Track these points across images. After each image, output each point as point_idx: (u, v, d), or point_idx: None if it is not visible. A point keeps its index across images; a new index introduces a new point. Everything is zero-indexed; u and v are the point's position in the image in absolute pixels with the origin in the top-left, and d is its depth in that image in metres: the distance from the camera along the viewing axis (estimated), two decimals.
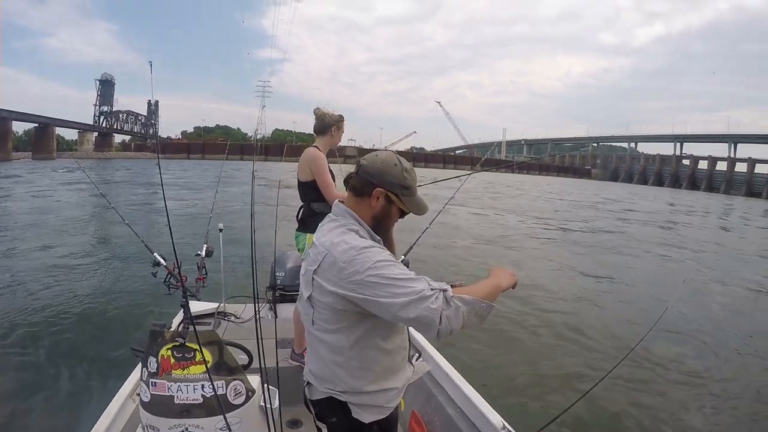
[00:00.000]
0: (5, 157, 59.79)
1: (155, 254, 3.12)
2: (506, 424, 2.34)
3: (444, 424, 2.71)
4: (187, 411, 1.79)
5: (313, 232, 3.15)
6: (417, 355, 3.25)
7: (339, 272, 1.42)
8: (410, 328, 3.23)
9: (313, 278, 1.50)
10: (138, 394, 1.88)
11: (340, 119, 3.33)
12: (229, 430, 1.57)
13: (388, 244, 1.65)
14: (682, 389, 4.99)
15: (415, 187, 1.61)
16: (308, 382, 1.68)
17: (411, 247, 3.48)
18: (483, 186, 39.34)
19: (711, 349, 6.28)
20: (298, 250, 3.29)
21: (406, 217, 1.65)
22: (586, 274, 10.56)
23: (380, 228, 1.61)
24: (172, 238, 1.73)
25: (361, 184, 1.58)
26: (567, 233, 17.18)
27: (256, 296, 1.86)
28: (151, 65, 3.49)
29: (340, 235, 1.51)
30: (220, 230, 4.36)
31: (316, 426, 1.71)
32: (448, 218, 16.34)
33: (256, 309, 1.78)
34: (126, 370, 2.87)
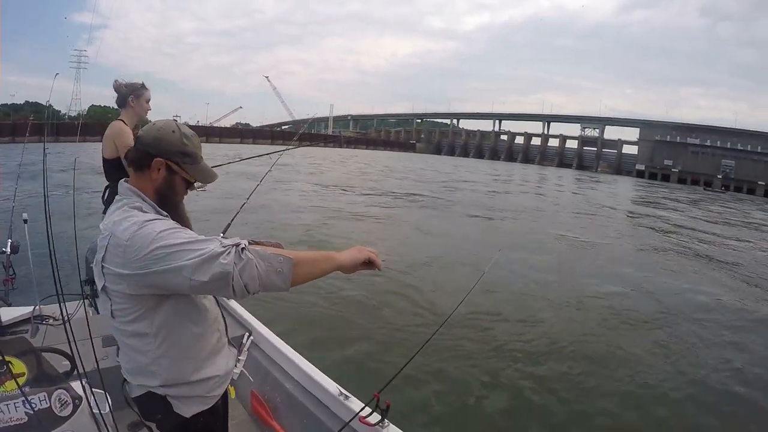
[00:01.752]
0: None
1: None
2: (342, 390, 2.46)
3: (284, 399, 2.77)
4: None
5: None
6: (248, 334, 3.28)
7: (124, 252, 1.30)
8: (231, 310, 3.21)
9: (102, 266, 1.37)
10: None
11: (137, 87, 3.15)
12: None
13: (180, 219, 1.52)
14: (500, 347, 5.56)
15: (198, 154, 1.51)
16: (125, 380, 1.58)
17: (229, 225, 3.33)
18: (313, 160, 39.55)
19: (530, 302, 7.22)
20: None
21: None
22: (415, 240, 11.30)
23: (167, 202, 1.50)
24: None
25: (139, 156, 1.47)
26: (395, 201, 18.19)
27: (60, 293, 1.70)
28: None
29: (122, 214, 1.39)
30: (25, 221, 3.81)
31: (146, 426, 1.64)
32: (282, 195, 16.37)
33: (62, 307, 1.67)
34: None
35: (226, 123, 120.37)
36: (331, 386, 2.52)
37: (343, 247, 1.55)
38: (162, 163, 1.45)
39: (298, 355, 2.88)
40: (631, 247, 13.02)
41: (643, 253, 12.30)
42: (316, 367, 2.73)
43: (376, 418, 2.05)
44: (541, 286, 8.12)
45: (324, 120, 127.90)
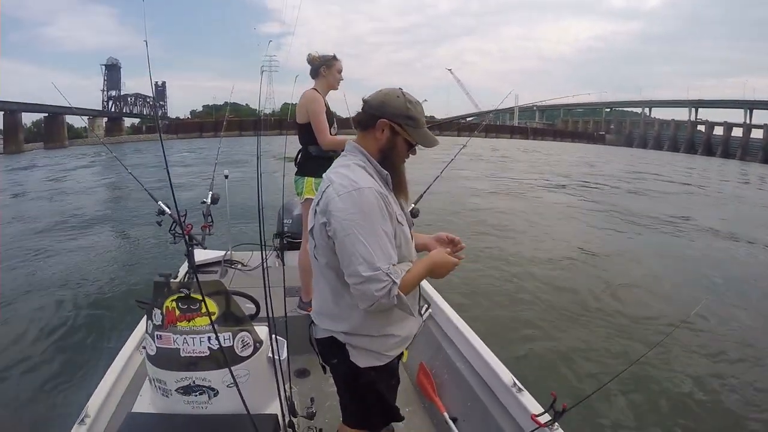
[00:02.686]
0: (17, 149, 59.75)
1: (159, 203, 3.08)
2: (517, 382, 2.28)
3: (453, 378, 2.67)
4: (193, 364, 1.75)
5: (311, 176, 3.08)
6: (426, 306, 3.19)
7: (330, 201, 1.45)
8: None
9: (315, 210, 1.52)
10: (144, 347, 1.84)
11: (329, 58, 3.24)
12: (236, 383, 1.50)
13: (399, 181, 1.62)
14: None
15: (421, 120, 1.57)
16: (312, 321, 1.69)
17: (421, 195, 3.42)
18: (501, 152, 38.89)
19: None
20: (297, 194, 3.23)
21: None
22: (616, 246, 10.03)
23: (388, 163, 1.58)
24: (170, 182, 1.65)
25: (365, 118, 1.57)
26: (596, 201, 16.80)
27: (263, 243, 1.79)
28: (146, 44, 3.42)
29: (345, 168, 1.53)
30: (226, 177, 4.21)
31: (321, 365, 1.73)
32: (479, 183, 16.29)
33: (263, 256, 1.72)
34: (133, 323, 2.84)
35: None
36: (506, 375, 2.36)
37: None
38: (386, 124, 1.54)
39: (475, 335, 2.75)
40: None
41: None
42: (492, 352, 2.57)
43: (546, 418, 1.92)
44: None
45: (509, 111, 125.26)
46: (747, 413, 4.11)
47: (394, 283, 1.40)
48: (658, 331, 5.14)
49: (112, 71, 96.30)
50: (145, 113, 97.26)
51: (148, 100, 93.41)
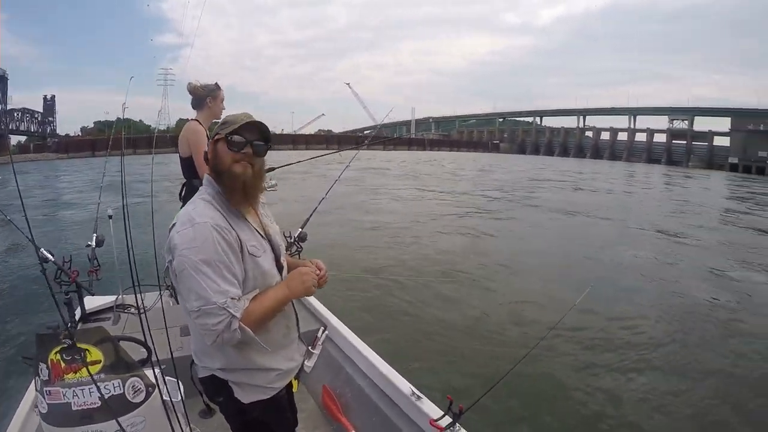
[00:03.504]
0: None
1: (41, 249, 2.88)
2: (415, 390, 2.42)
3: (355, 395, 2.77)
4: (88, 417, 1.69)
5: None
6: (323, 329, 3.29)
7: (171, 239, 1.46)
8: (308, 304, 3.31)
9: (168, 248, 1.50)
10: (36, 406, 1.77)
11: (213, 88, 3.21)
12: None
13: (236, 187, 1.54)
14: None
15: (235, 120, 1.55)
16: (192, 361, 1.68)
17: (307, 220, 3.48)
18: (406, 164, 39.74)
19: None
20: None
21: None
22: (501, 251, 10.76)
23: (218, 171, 1.54)
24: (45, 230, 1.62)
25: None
26: (485, 207, 17.70)
27: (136, 284, 1.78)
28: None
29: (190, 204, 1.53)
30: (110, 217, 3.93)
31: (205, 404, 1.75)
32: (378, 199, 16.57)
33: (138, 299, 1.73)
34: (24, 383, 2.68)
35: (309, 130, 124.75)
36: (404, 385, 2.49)
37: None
38: (210, 144, 1.60)
39: (372, 351, 2.87)
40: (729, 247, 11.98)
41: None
42: (389, 365, 2.71)
43: (447, 421, 2.02)
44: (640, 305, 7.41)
45: (406, 123, 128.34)
46: (627, 396, 4.60)
47: (233, 316, 1.38)
48: (545, 326, 5.60)
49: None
50: (32, 130, 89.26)
51: (35, 115, 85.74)
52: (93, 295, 3.58)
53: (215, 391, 1.63)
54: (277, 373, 1.64)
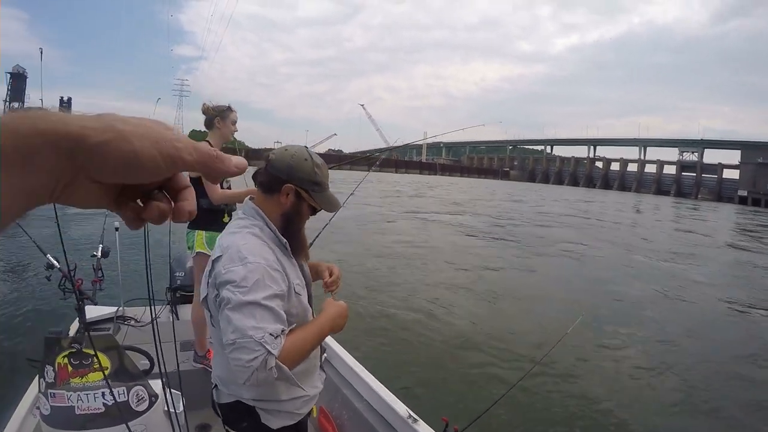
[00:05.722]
0: None
1: (48, 256, 2.94)
2: (411, 413, 2.41)
3: (352, 417, 2.76)
4: (90, 421, 1.72)
5: (202, 229, 3.13)
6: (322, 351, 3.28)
7: (218, 275, 1.39)
8: None
9: (208, 282, 1.45)
10: (38, 408, 1.79)
11: (224, 110, 3.19)
12: None
13: (300, 243, 1.58)
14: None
15: (326, 183, 1.53)
16: (215, 385, 1.61)
17: (312, 243, 3.43)
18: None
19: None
20: (188, 248, 3.20)
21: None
22: (501, 279, 10.64)
23: (290, 227, 1.53)
24: (60, 236, 1.67)
25: (269, 180, 1.50)
26: (486, 233, 17.70)
27: (151, 298, 1.83)
28: (41, 52, 3.22)
29: (238, 237, 1.45)
30: (116, 229, 3.99)
31: (225, 430, 1.66)
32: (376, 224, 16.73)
33: (153, 311, 1.76)
34: (23, 385, 2.72)
35: (321, 149, 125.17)
36: (401, 408, 2.48)
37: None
38: (292, 189, 1.48)
39: (370, 374, 2.86)
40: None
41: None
42: (386, 387, 2.70)
43: None
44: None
45: (416, 147, 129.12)
46: (628, 418, 4.55)
47: (269, 353, 1.30)
48: (539, 348, 5.57)
49: (18, 81, 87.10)
50: None
51: None
52: (96, 304, 3.62)
53: (239, 416, 1.56)
54: (304, 399, 1.62)
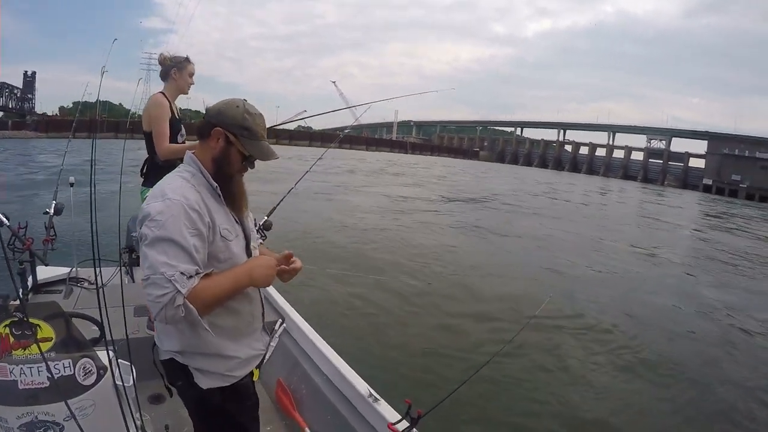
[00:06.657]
0: None
1: None
2: (373, 392, 2.36)
3: (310, 392, 2.71)
4: (33, 396, 1.62)
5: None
6: (281, 321, 3.20)
7: (141, 211, 1.44)
8: (267, 295, 3.23)
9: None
10: None
11: (181, 60, 3.06)
12: (74, 416, 1.43)
13: (232, 193, 1.60)
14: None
15: (259, 132, 1.55)
16: (154, 343, 1.64)
17: (274, 209, 3.34)
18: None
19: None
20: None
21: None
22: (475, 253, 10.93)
23: (222, 173, 1.56)
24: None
25: (202, 126, 1.56)
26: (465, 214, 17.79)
27: (97, 258, 1.70)
28: None
29: (168, 179, 1.52)
30: (71, 185, 3.75)
31: (167, 387, 1.66)
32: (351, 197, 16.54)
33: (98, 277, 1.66)
34: None
35: (291, 126, 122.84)
36: (362, 386, 2.43)
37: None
38: (221, 133, 1.52)
39: (330, 348, 2.80)
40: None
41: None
42: (347, 363, 2.64)
43: (404, 425, 1.98)
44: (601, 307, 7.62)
45: (388, 125, 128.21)
46: (588, 404, 4.66)
47: (178, 291, 1.32)
48: (508, 331, 5.62)
49: None
50: (11, 106, 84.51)
51: (15, 91, 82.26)
52: (46, 265, 3.45)
53: (174, 375, 1.60)
54: (237, 361, 1.61)
